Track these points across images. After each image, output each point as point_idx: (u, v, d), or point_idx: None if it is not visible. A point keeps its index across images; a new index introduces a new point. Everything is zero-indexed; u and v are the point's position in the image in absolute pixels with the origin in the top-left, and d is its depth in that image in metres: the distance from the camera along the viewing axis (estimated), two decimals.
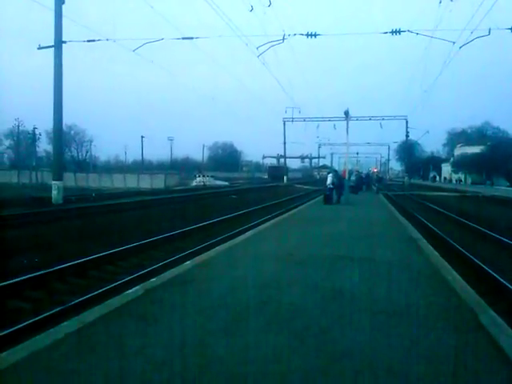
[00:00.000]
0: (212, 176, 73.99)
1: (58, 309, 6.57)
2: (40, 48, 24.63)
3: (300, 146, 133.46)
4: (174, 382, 3.30)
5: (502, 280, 8.68)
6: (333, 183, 23.35)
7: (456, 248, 12.41)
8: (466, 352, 3.91)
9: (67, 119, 62.67)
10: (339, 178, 24.45)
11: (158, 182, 58.95)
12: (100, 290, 7.54)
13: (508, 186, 57.19)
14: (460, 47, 22.16)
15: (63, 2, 23.42)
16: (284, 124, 69.92)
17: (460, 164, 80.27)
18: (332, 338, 4.18)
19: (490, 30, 20.73)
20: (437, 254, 9.19)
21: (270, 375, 3.41)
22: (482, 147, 73.84)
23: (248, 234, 11.98)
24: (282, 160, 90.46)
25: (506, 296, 7.92)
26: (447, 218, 21.84)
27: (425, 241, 10.98)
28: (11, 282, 7.55)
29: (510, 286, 8.26)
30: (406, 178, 69.51)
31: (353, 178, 30.87)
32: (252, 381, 3.32)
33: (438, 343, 4.07)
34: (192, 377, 3.38)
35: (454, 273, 7.32)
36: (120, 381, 3.30)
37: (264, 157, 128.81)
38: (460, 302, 5.49)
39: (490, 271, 9.44)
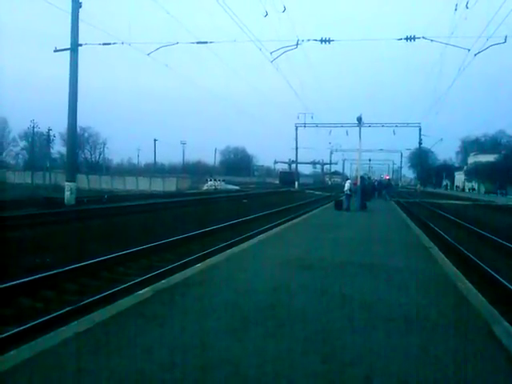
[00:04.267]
0: (223, 180, 74.15)
1: (68, 308, 6.62)
2: (56, 51, 24.96)
3: (312, 152, 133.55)
4: (182, 382, 3.31)
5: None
6: (350, 190, 23.41)
7: (468, 256, 12.28)
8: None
9: (81, 121, 63.43)
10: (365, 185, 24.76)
11: (170, 185, 59.31)
12: (111, 291, 7.59)
13: None
14: (475, 54, 22.06)
15: (80, 6, 23.73)
16: (296, 129, 70.05)
17: (473, 172, 79.59)
18: (341, 343, 4.16)
19: (506, 37, 20.61)
20: (448, 261, 9.11)
21: (277, 379, 3.40)
22: (495, 156, 73.14)
23: (259, 238, 11.97)
24: (293, 165, 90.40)
25: None
26: (459, 226, 21.63)
27: (436, 249, 10.89)
28: (23, 281, 7.62)
29: None
30: (419, 185, 69.10)
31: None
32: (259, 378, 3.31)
33: (449, 349, 4.03)
34: (200, 378, 3.38)
35: (466, 281, 7.26)
36: (129, 380, 3.31)
37: (276, 162, 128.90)
38: (470, 309, 5.44)
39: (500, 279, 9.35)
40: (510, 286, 8.79)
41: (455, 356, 3.94)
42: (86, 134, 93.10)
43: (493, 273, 10.09)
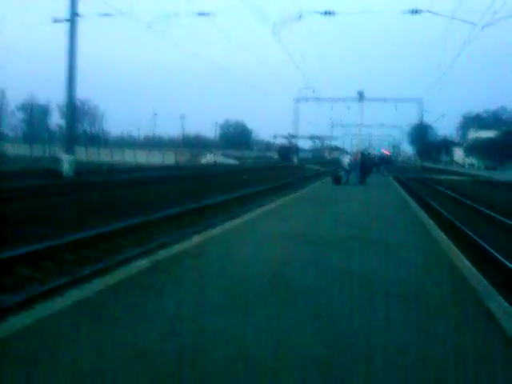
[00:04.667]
0: (222, 154, 73.88)
1: (66, 278, 6.66)
2: (55, 21, 24.50)
3: (312, 127, 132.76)
4: (181, 351, 3.34)
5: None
6: (348, 165, 23.35)
7: (464, 232, 12.33)
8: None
9: (80, 94, 62.73)
10: (364, 160, 24.68)
11: (169, 158, 59.20)
12: (110, 262, 7.63)
13: None
14: (483, 27, 21.57)
15: None
16: (296, 103, 69.50)
17: (473, 148, 79.33)
18: (342, 318, 4.19)
19: None
20: (446, 238, 9.14)
21: (279, 352, 3.42)
22: (496, 132, 72.76)
23: (258, 212, 11.98)
24: (293, 140, 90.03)
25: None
26: (457, 202, 21.66)
27: (435, 225, 10.92)
28: (22, 251, 7.64)
29: None
30: (418, 160, 68.95)
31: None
32: (261, 356, 3.34)
33: (447, 324, 4.08)
34: (199, 346, 3.41)
35: (462, 256, 7.31)
36: (128, 348, 3.34)
37: (275, 136, 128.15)
38: (464, 283, 5.49)
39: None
40: (505, 262, 8.85)
41: (452, 331, 3.99)
42: (84, 107, 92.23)
43: (487, 247, 10.17)
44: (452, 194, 24.62)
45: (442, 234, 9.71)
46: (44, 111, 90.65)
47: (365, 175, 24.54)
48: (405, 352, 3.47)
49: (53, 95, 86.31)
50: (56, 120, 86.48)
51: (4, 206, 12.84)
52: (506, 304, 4.77)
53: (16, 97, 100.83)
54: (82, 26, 23.97)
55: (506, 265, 8.68)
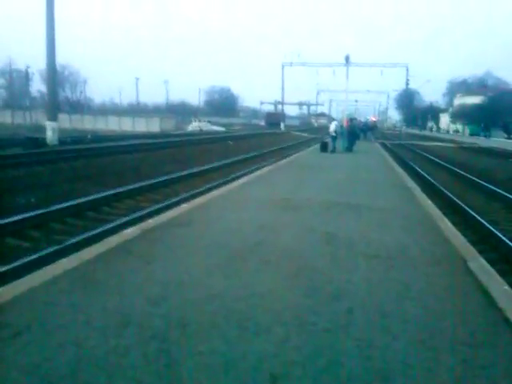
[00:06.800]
0: (208, 121, 73.15)
1: (55, 247, 6.67)
2: None
3: (298, 93, 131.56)
4: (171, 316, 3.42)
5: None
6: (335, 131, 23.30)
7: (449, 197, 12.53)
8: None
9: (61, 58, 61.17)
10: (352, 126, 24.63)
11: (153, 125, 58.50)
12: (98, 230, 7.64)
13: (506, 138, 56.90)
14: None
15: None
16: (282, 69, 68.61)
17: (459, 114, 79.52)
18: (325, 279, 4.31)
19: None
20: (430, 202, 9.31)
21: (263, 312, 3.53)
22: (482, 97, 72.85)
23: (245, 179, 12.02)
24: (279, 106, 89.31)
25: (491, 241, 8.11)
26: (441, 168, 21.89)
27: (419, 189, 11.10)
28: (8, 220, 7.61)
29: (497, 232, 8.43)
30: (404, 127, 69.08)
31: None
32: (246, 317, 3.44)
33: (429, 285, 4.21)
34: (189, 313, 3.49)
35: (446, 220, 7.49)
36: (119, 315, 3.41)
37: (262, 103, 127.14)
38: (448, 246, 5.63)
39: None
40: (486, 225, 9.06)
41: (434, 291, 4.12)
42: (66, 72, 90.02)
43: (469, 210, 10.38)
44: (437, 160, 24.85)
45: (425, 196, 9.91)
46: (24, 77, 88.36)
47: (352, 142, 24.53)
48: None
49: (33, 60, 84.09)
50: (37, 86, 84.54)
51: None
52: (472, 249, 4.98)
53: None
54: None
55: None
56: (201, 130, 59.97)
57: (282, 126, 73.10)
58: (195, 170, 16.18)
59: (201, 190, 12.02)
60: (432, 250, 5.48)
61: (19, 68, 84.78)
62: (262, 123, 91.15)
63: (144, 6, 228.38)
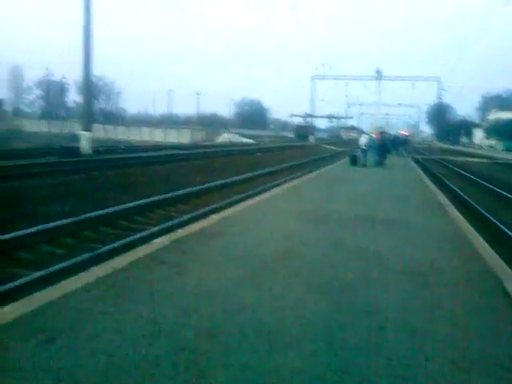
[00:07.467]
0: (238, 133, 73.61)
1: (88, 254, 6.80)
2: None
3: (328, 105, 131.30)
4: (201, 327, 3.43)
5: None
6: (365, 145, 23.08)
7: (483, 215, 12.22)
8: None
9: (96, 70, 62.78)
10: (382, 140, 24.43)
11: (184, 136, 59.27)
12: (129, 238, 7.75)
13: None
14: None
15: None
16: (313, 81, 68.70)
17: (494, 130, 77.75)
18: (356, 293, 4.26)
19: None
20: (463, 218, 9.11)
21: (292, 326, 3.51)
22: None
23: (274, 191, 12.03)
24: (308, 119, 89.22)
25: None
26: (474, 184, 21.39)
27: (452, 207, 10.87)
28: (43, 228, 7.80)
29: None
30: (435, 141, 67.92)
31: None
32: (276, 329, 3.43)
33: (462, 304, 4.11)
34: (219, 324, 3.50)
35: (479, 237, 7.30)
36: (150, 324, 3.44)
37: (291, 115, 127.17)
38: (482, 265, 5.49)
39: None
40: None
41: (466, 309, 4.02)
42: (100, 83, 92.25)
43: (504, 228, 10.11)
44: (471, 177, 24.29)
45: (459, 213, 9.70)
46: (61, 87, 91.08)
47: (383, 156, 24.20)
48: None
49: (70, 72, 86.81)
50: (73, 96, 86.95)
51: (24, 182, 13.06)
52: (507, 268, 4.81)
53: (33, 72, 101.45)
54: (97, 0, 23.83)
55: None
56: (230, 142, 60.37)
57: (312, 138, 72.94)
58: (224, 181, 16.27)
59: (230, 201, 12.08)
60: (466, 267, 5.35)
61: (56, 79, 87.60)
62: (292, 135, 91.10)
63: (179, 17, 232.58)
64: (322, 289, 4.34)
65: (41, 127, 64.60)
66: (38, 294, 3.96)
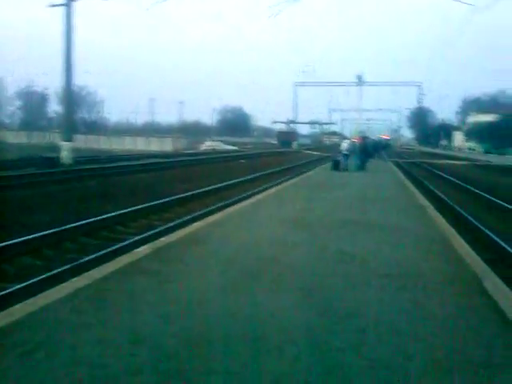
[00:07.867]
0: (221, 140, 73.63)
1: (67, 265, 6.71)
2: (51, 6, 24.18)
3: (310, 112, 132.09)
4: (184, 335, 3.40)
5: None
6: (347, 150, 23.27)
7: (463, 216, 12.39)
8: None
9: (78, 80, 62.23)
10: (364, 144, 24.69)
11: (166, 145, 59.20)
12: (110, 248, 7.68)
13: None
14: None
15: None
16: (295, 88, 69.14)
17: (473, 132, 79.09)
18: (338, 297, 4.27)
19: None
20: (444, 221, 9.22)
21: (275, 331, 3.50)
22: (495, 115, 72.50)
23: (257, 197, 12.03)
24: (291, 125, 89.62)
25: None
26: (454, 186, 21.70)
27: (432, 207, 11.03)
28: (23, 239, 7.68)
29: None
30: (417, 145, 68.84)
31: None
32: (259, 336, 3.41)
33: (440, 304, 4.15)
34: (202, 331, 3.47)
35: (462, 241, 7.37)
36: (132, 334, 3.40)
37: (274, 122, 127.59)
38: (462, 265, 5.56)
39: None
40: (499, 242, 8.97)
41: (446, 310, 4.06)
42: (83, 93, 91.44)
43: (486, 230, 10.25)
44: (451, 179, 24.65)
45: (439, 215, 9.83)
46: (42, 98, 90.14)
47: (365, 161, 24.39)
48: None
49: (51, 82, 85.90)
50: (54, 107, 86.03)
51: (3, 194, 12.86)
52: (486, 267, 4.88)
53: (13, 83, 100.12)
54: (78, 10, 23.66)
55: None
56: (213, 150, 60.35)
57: (295, 144, 73.28)
58: (207, 188, 16.24)
59: (213, 208, 12.06)
60: (445, 268, 5.41)
61: (37, 90, 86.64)
62: (275, 142, 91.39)
63: (159, 28, 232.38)
64: (305, 293, 4.34)
65: (20, 138, 63.70)
66: (17, 307, 3.88)
